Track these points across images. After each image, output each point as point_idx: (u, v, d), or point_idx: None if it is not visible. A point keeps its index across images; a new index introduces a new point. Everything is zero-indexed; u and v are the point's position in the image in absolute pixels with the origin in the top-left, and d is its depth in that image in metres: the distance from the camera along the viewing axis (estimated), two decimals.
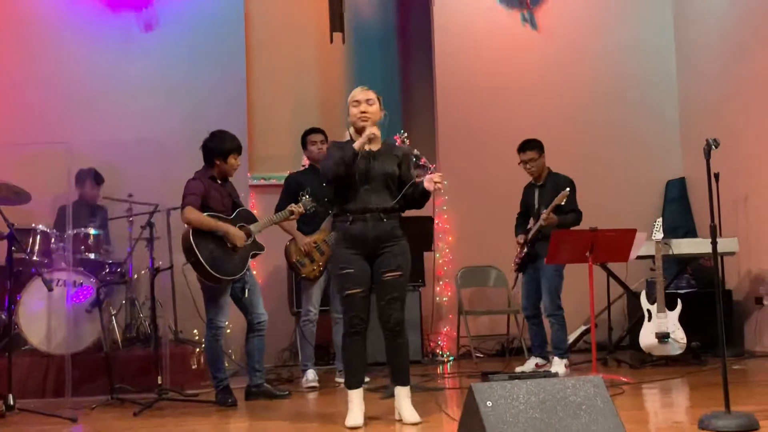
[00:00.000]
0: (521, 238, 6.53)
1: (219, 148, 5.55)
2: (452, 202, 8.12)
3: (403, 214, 4.72)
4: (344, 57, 8.44)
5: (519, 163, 6.55)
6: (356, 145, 4.45)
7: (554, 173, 6.54)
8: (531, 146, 6.49)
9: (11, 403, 5.10)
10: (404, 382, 4.58)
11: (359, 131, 4.59)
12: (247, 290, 5.63)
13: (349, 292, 4.49)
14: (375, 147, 4.62)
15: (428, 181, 4.50)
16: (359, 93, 4.64)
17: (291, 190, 6.28)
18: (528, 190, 6.69)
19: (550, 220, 6.19)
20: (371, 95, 4.64)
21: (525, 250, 6.46)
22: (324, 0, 7.97)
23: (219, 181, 5.61)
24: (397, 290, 4.52)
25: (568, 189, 6.15)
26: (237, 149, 5.62)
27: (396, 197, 4.57)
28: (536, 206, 6.48)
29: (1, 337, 6.23)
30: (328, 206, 6.24)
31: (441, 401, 5.43)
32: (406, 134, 8.19)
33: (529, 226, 6.51)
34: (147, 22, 7.88)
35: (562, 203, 6.14)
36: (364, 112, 4.57)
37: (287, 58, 8.35)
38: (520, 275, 6.65)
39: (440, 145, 8.28)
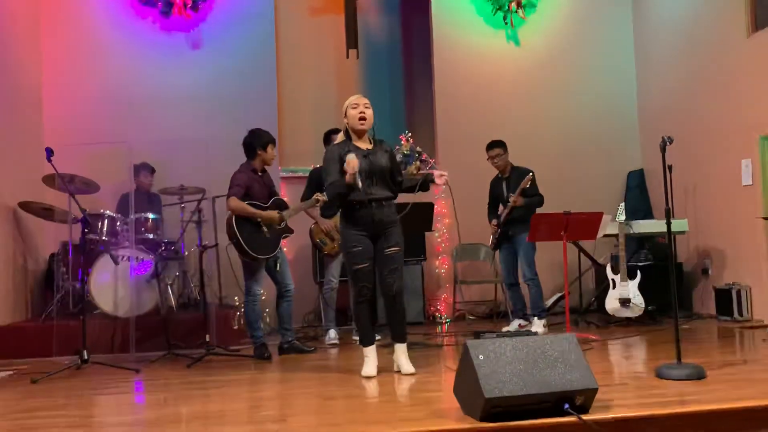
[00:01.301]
0: (495, 221, 6.55)
1: (259, 140, 5.59)
2: (448, 190, 8.09)
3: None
4: (358, 69, 8.42)
5: (487, 159, 6.58)
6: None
7: (516, 166, 6.56)
8: (497, 145, 6.56)
9: (86, 357, 5.16)
10: (402, 340, 4.61)
11: (356, 132, 4.60)
12: (278, 264, 5.66)
13: (358, 266, 4.52)
14: (369, 146, 4.62)
15: (438, 177, 4.60)
16: (357, 98, 4.65)
17: (313, 183, 6.28)
18: (496, 183, 6.70)
19: (519, 201, 6.23)
20: (368, 101, 4.64)
21: (499, 230, 6.48)
22: (341, 23, 7.95)
23: (259, 173, 5.62)
24: (397, 262, 4.55)
25: (531, 173, 6.20)
26: (273, 141, 5.68)
27: (390, 186, 4.61)
28: (505, 194, 6.50)
29: (76, 304, 6.31)
30: None
31: (441, 355, 5.46)
32: (410, 134, 8.19)
33: (499, 212, 6.53)
34: (194, 42, 7.88)
35: (527, 186, 6.17)
36: (362, 113, 4.56)
37: (310, 71, 8.34)
38: (497, 252, 6.71)
39: (439, 142, 8.26)
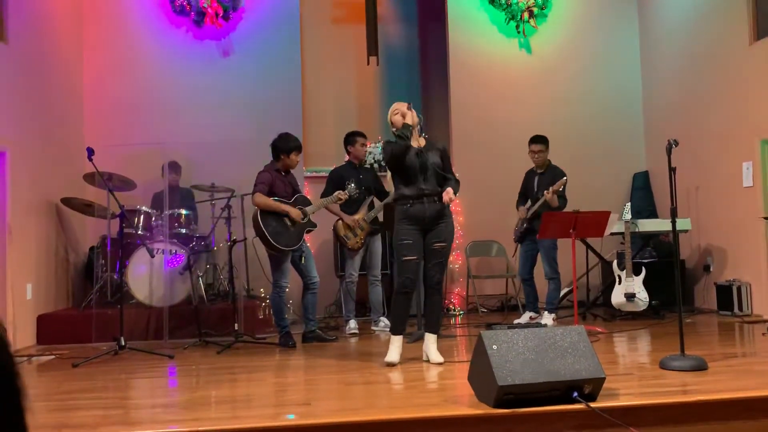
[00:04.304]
0: (522, 212, 6.46)
1: (284, 146, 5.58)
2: (463, 190, 7.96)
3: None
4: (378, 75, 8.41)
5: (528, 152, 6.48)
6: (407, 121, 4.53)
7: (554, 165, 6.47)
8: (539, 140, 6.46)
9: (123, 343, 5.21)
10: (434, 331, 4.58)
11: (397, 135, 4.60)
12: (303, 258, 5.67)
13: (406, 258, 4.48)
14: (421, 144, 4.61)
15: (445, 194, 4.49)
16: (395, 105, 4.66)
17: (333, 182, 6.29)
18: (529, 176, 6.59)
19: (553, 200, 6.12)
20: (405, 105, 4.65)
21: (525, 225, 6.42)
22: (362, 31, 7.94)
23: (283, 173, 5.64)
24: (442, 257, 4.54)
25: (565, 178, 6.12)
26: (298, 148, 5.65)
27: (441, 183, 4.55)
28: (535, 190, 6.42)
29: (114, 294, 6.37)
30: (364, 193, 6.27)
31: (455, 346, 5.45)
32: (426, 136, 8.13)
33: (527, 206, 6.46)
34: (225, 50, 7.91)
35: (560, 189, 6.11)
36: (403, 114, 4.57)
37: (333, 77, 8.34)
38: (519, 245, 6.63)
39: (454, 146, 8.22)
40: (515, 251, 6.71)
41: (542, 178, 6.41)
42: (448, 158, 4.72)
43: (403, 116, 4.57)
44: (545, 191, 6.13)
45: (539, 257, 6.40)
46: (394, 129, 4.65)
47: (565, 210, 6.10)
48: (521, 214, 6.48)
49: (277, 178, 5.55)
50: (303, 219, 5.56)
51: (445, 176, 4.61)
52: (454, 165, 8.07)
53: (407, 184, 4.53)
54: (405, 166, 4.49)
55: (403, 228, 4.52)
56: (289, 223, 5.47)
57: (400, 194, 4.57)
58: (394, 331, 4.55)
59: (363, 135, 6.48)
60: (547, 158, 6.47)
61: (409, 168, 4.49)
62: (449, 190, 4.49)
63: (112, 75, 7.74)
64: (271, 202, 5.42)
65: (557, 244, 6.29)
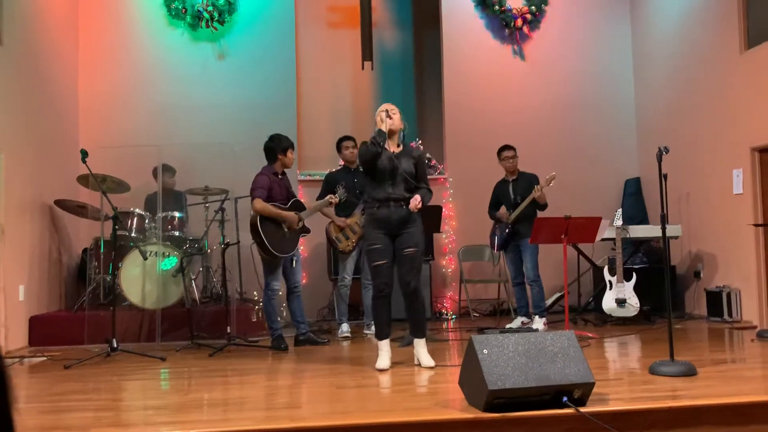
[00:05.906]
0: (504, 214, 6.42)
1: (278, 145, 5.61)
2: (456, 194, 8.11)
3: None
4: (372, 80, 8.42)
5: (500, 161, 6.53)
6: (382, 127, 4.52)
7: (523, 171, 6.53)
8: (510, 147, 6.54)
9: (115, 345, 5.20)
10: (421, 335, 4.58)
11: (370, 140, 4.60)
12: (294, 261, 5.67)
13: (376, 263, 4.50)
14: (397, 150, 4.62)
15: (412, 201, 4.46)
16: (383, 106, 4.65)
17: (328, 185, 6.30)
18: (501, 186, 6.62)
19: (542, 197, 6.18)
20: (394, 107, 4.64)
21: (507, 230, 6.43)
22: (357, 36, 7.94)
23: (279, 176, 5.64)
24: (414, 262, 4.52)
25: (554, 173, 6.13)
26: (291, 145, 5.71)
27: (412, 190, 4.56)
28: (512, 197, 6.45)
29: (107, 295, 6.34)
30: (358, 196, 6.28)
31: (447, 350, 5.45)
32: (420, 141, 8.19)
33: (500, 213, 6.46)
34: (220, 53, 7.92)
35: (550, 185, 6.13)
36: (388, 117, 4.55)
37: (328, 81, 8.35)
38: (502, 252, 6.64)
39: (447, 149, 8.25)
40: (499, 259, 6.71)
41: (516, 184, 6.46)
42: (423, 167, 4.70)
43: (382, 121, 4.56)
44: (535, 187, 6.19)
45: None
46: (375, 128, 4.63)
47: (557, 216, 6.11)
48: (503, 216, 6.45)
49: (274, 182, 5.57)
50: (299, 225, 5.57)
51: (416, 185, 4.60)
52: (448, 169, 8.15)
53: (376, 187, 4.54)
54: (376, 169, 4.51)
55: (371, 233, 4.53)
56: (285, 229, 5.48)
57: (369, 197, 4.59)
58: (379, 336, 4.56)
59: (350, 139, 6.51)
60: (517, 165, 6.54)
61: (380, 171, 4.51)
62: (417, 197, 4.48)
63: (108, 77, 7.73)
64: (270, 208, 5.43)
65: (539, 247, 6.31)
